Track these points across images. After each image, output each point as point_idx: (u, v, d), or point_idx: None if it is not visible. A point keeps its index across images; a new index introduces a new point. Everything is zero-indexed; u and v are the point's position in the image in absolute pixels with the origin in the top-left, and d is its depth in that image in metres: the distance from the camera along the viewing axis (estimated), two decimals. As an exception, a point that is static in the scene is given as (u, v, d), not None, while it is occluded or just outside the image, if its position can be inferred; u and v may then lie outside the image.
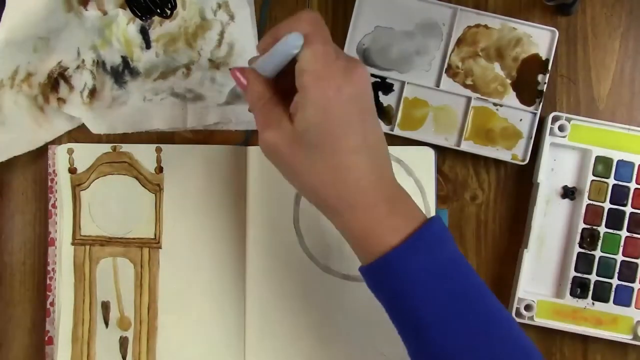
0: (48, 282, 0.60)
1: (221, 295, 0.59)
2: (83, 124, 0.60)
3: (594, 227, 0.58)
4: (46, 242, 0.61)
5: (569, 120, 0.58)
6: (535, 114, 0.59)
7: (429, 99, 0.59)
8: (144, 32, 0.60)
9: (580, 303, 0.58)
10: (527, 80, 0.59)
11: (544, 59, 0.59)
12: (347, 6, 0.60)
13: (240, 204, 0.60)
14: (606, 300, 0.58)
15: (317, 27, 0.42)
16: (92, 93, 0.60)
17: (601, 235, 0.58)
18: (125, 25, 0.59)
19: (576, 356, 0.60)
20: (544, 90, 0.59)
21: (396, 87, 0.59)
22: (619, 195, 0.58)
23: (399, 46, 0.59)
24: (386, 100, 0.59)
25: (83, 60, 0.60)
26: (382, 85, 0.59)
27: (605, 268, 0.58)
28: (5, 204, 0.62)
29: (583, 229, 0.58)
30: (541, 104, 0.59)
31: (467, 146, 0.59)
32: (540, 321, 0.58)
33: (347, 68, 0.41)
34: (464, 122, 0.59)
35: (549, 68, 0.59)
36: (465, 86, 0.59)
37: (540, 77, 0.59)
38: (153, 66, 0.61)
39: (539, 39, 0.59)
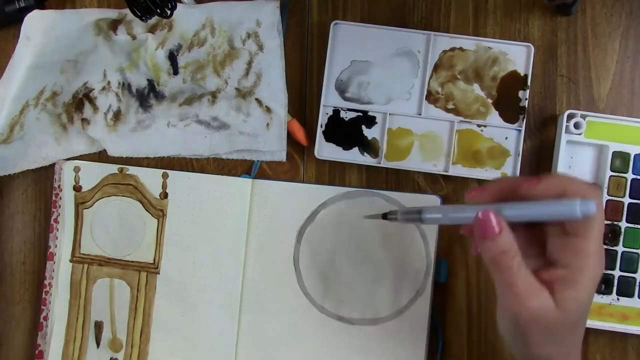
0: (43, 295, 0.61)
1: (215, 326, 0.60)
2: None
3: (615, 223, 0.57)
4: (46, 242, 0.62)
5: (584, 117, 0.57)
6: (520, 130, 0.58)
7: (412, 127, 0.59)
8: (172, 58, 0.59)
9: (605, 299, 0.57)
10: (508, 98, 0.58)
11: (522, 75, 0.58)
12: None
13: (241, 236, 0.60)
14: (631, 295, 0.57)
15: (601, 206, 0.41)
16: (117, 115, 0.60)
17: (622, 230, 0.57)
18: (154, 50, 0.59)
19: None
20: (526, 106, 0.58)
21: (379, 119, 0.59)
22: (637, 189, 0.57)
23: (377, 78, 0.59)
24: (370, 133, 0.59)
25: (109, 82, 0.60)
26: (364, 119, 0.59)
27: (629, 263, 0.57)
28: (5, 204, 0.62)
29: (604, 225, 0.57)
30: (525, 120, 0.58)
31: (455, 170, 0.58)
32: None
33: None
34: (450, 147, 0.58)
35: (529, 83, 0.58)
36: (447, 110, 0.59)
37: (521, 94, 0.58)
38: (179, 91, 0.60)
39: (515, 55, 0.58)
